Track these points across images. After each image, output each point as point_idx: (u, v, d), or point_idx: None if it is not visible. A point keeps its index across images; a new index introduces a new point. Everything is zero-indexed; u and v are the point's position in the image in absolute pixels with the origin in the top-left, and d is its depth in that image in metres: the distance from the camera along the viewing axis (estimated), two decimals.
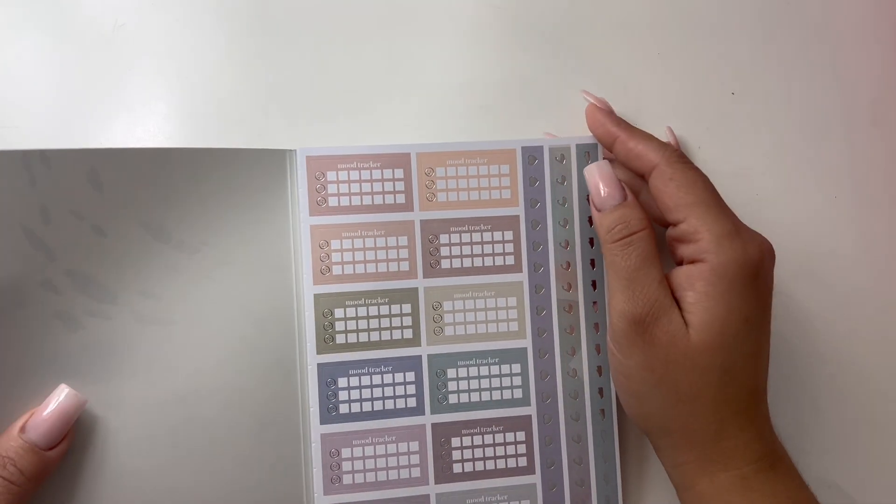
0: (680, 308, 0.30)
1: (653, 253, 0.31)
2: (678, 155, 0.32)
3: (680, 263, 0.32)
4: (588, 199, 0.35)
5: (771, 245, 0.32)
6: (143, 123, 0.37)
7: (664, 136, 0.39)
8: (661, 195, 0.32)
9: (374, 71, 0.39)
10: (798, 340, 0.40)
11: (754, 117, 0.42)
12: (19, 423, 0.30)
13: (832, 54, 0.43)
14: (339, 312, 0.34)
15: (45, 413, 0.30)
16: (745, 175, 0.41)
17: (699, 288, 0.30)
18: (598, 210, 0.33)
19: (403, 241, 0.35)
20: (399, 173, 0.35)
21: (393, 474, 0.34)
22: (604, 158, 0.35)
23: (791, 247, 0.40)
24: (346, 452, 0.34)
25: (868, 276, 0.41)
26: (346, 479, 0.34)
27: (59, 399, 0.30)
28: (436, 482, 0.34)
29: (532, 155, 0.36)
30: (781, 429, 0.38)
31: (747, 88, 0.42)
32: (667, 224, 0.33)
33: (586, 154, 0.36)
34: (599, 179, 0.33)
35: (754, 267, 0.30)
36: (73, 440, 0.31)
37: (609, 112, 0.35)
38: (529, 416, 0.35)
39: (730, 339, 0.30)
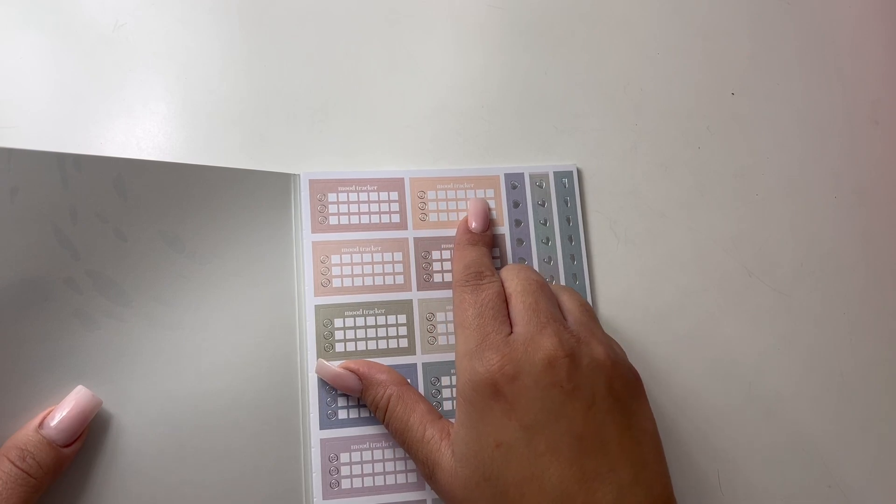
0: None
1: (406, 416, 0.33)
2: (464, 278, 0.33)
3: None
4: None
5: (556, 348, 0.30)
6: (142, 124, 0.38)
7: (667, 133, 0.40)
8: None
9: (375, 70, 0.40)
10: (798, 340, 0.40)
11: (754, 117, 0.42)
12: (37, 420, 0.31)
13: (832, 54, 0.43)
14: (338, 322, 0.36)
15: (63, 412, 0.31)
16: (745, 175, 0.41)
17: (456, 415, 0.31)
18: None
19: (399, 256, 0.37)
20: (394, 195, 0.38)
21: (390, 479, 0.35)
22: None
23: (791, 247, 0.41)
24: (344, 457, 0.34)
25: (868, 276, 0.41)
26: (345, 484, 0.34)
27: (77, 398, 0.31)
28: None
29: (514, 182, 0.39)
30: (779, 427, 0.38)
31: (747, 88, 0.42)
32: None
33: (563, 181, 0.40)
34: (333, 376, 0.35)
35: (486, 385, 0.29)
36: (86, 438, 0.32)
37: (466, 229, 0.37)
38: None
39: (489, 469, 0.29)
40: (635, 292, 0.40)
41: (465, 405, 0.30)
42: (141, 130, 0.38)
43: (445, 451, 0.31)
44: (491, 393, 0.29)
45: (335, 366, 0.34)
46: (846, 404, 0.40)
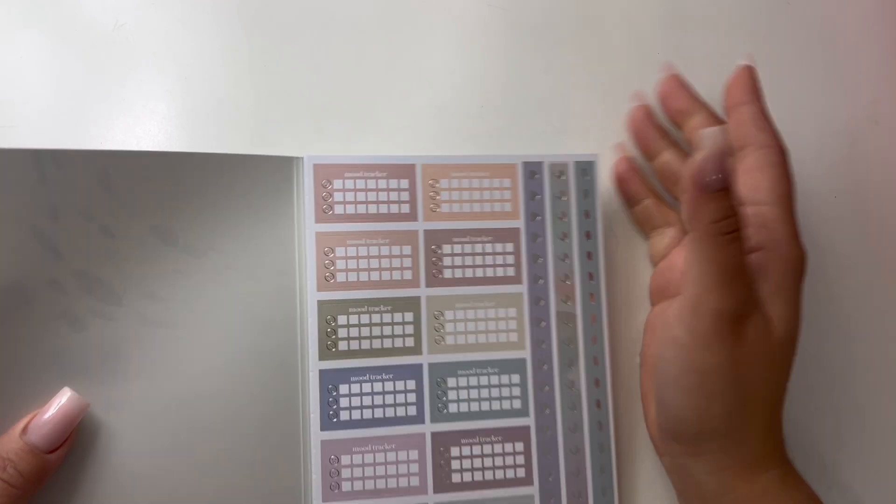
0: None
1: (745, 250, 0.30)
2: (783, 148, 0.33)
3: None
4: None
5: None
6: (142, 124, 0.37)
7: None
8: (759, 174, 0.32)
9: (375, 70, 0.40)
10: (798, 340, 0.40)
11: None
12: (21, 425, 0.29)
13: (832, 54, 0.43)
14: (341, 319, 0.34)
15: (47, 415, 0.30)
16: None
17: (774, 278, 0.31)
18: (701, 188, 0.28)
19: (407, 250, 0.35)
20: (404, 183, 0.35)
21: (392, 482, 0.34)
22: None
23: None
24: (345, 459, 0.34)
25: (868, 277, 0.41)
26: (346, 486, 0.33)
27: (61, 402, 0.30)
28: (434, 491, 0.34)
29: (532, 170, 0.37)
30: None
31: None
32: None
33: (584, 171, 0.37)
34: (717, 151, 0.28)
35: (805, 270, 0.32)
36: (73, 443, 0.30)
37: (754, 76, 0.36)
38: (528, 427, 0.35)
39: (797, 333, 0.31)
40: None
41: (793, 274, 0.31)
42: (141, 130, 0.37)
43: (762, 307, 0.31)
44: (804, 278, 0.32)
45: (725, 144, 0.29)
46: (846, 404, 0.40)
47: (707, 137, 0.28)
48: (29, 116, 0.36)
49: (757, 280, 0.31)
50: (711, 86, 0.41)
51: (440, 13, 0.41)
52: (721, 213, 0.29)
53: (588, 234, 0.37)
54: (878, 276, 0.41)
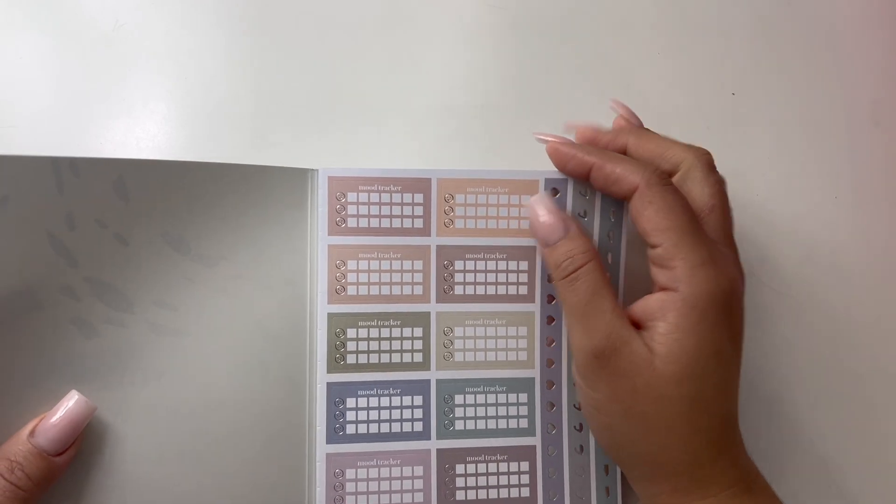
0: (651, 336, 0.30)
1: (601, 283, 0.31)
2: (659, 176, 0.31)
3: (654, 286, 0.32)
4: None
5: (743, 272, 0.32)
6: (142, 124, 0.37)
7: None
8: (640, 218, 0.31)
9: (374, 70, 0.40)
10: (797, 340, 0.40)
11: (754, 117, 0.42)
12: (28, 428, 0.30)
13: (832, 54, 0.43)
14: (351, 332, 0.34)
15: (54, 418, 0.30)
16: (745, 175, 0.41)
17: (670, 319, 0.30)
18: (544, 246, 0.33)
19: (419, 265, 0.35)
20: (419, 198, 0.35)
21: (396, 498, 0.34)
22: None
23: (791, 246, 0.41)
24: (350, 473, 0.34)
25: (868, 276, 0.41)
26: (349, 501, 0.34)
27: (68, 405, 0.30)
28: None
29: (555, 187, 0.36)
30: (779, 427, 0.39)
31: (747, 88, 0.42)
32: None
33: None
34: (541, 212, 0.33)
35: (726, 299, 0.30)
36: (80, 446, 0.31)
37: (572, 144, 0.34)
38: (534, 447, 0.35)
39: (699, 370, 0.29)
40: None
41: (692, 311, 0.29)
42: (141, 130, 0.37)
43: (638, 338, 0.30)
44: (724, 307, 0.30)
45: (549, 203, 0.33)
46: (846, 404, 0.40)
47: (530, 209, 0.33)
48: (29, 117, 0.36)
49: (655, 319, 0.30)
50: (711, 85, 0.42)
51: (440, 13, 0.41)
52: (561, 259, 0.32)
53: (610, 257, 0.36)
54: (879, 276, 0.41)
